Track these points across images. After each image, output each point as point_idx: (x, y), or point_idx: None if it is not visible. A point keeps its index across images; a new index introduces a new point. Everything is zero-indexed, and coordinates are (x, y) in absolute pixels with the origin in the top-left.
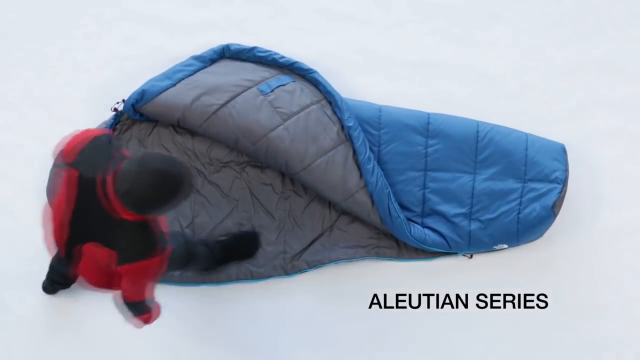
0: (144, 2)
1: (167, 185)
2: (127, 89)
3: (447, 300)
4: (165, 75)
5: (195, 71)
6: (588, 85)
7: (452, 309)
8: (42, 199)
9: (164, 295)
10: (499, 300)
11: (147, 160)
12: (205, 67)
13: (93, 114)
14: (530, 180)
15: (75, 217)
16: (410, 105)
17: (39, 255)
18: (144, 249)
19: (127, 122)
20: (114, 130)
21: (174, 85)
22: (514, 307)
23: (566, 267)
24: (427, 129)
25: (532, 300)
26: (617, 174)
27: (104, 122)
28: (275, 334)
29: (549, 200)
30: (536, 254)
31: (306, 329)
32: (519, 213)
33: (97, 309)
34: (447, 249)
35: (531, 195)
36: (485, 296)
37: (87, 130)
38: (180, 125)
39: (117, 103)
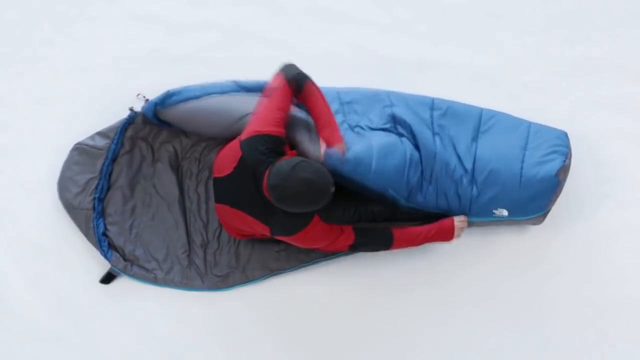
0: (144, 2)
1: (309, 193)
2: (127, 89)
3: (447, 300)
4: (201, 87)
5: (232, 92)
6: (588, 84)
7: (452, 309)
8: (42, 198)
9: (165, 295)
10: (498, 301)
11: (300, 167)
12: (239, 92)
13: (93, 114)
14: (533, 148)
15: (226, 180)
16: None
17: (39, 255)
18: (292, 227)
19: (139, 125)
20: (125, 130)
21: (208, 95)
22: (513, 307)
23: (566, 267)
24: (432, 106)
25: (532, 300)
26: (617, 174)
27: (119, 121)
28: (275, 334)
29: (553, 167)
30: (535, 253)
31: (305, 329)
32: (521, 176)
33: (97, 309)
34: (445, 210)
35: (533, 160)
36: (485, 296)
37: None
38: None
39: (139, 95)
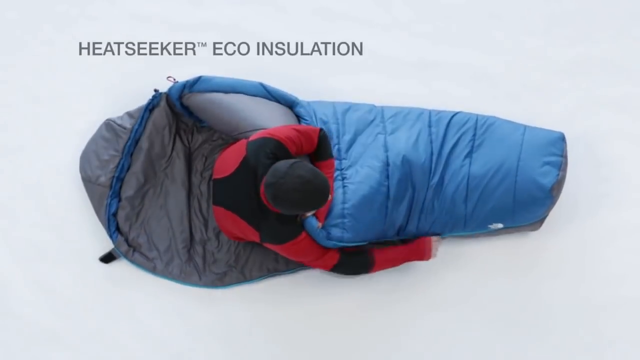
0: (144, 2)
1: (304, 192)
2: (126, 89)
3: (445, 302)
4: (231, 82)
5: (259, 96)
6: (588, 84)
7: (449, 311)
8: (42, 198)
9: (165, 295)
10: (497, 301)
11: (297, 165)
12: (267, 98)
13: (93, 114)
14: (527, 158)
15: (225, 181)
16: (410, 105)
17: (39, 255)
18: (282, 236)
19: (162, 111)
20: (151, 111)
21: (236, 93)
22: (511, 309)
23: (565, 267)
24: (429, 122)
25: (530, 303)
26: (617, 174)
27: (140, 108)
28: (271, 336)
29: (547, 183)
30: (534, 254)
31: (305, 329)
32: (515, 191)
33: (96, 309)
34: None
35: (527, 174)
36: (484, 297)
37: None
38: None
39: (169, 77)
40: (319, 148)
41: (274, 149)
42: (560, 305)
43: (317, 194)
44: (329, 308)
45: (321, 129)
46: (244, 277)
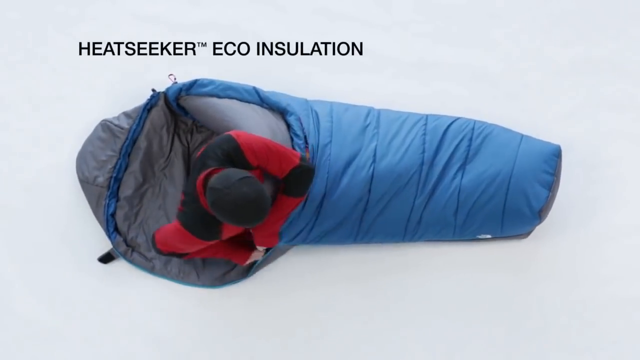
0: (144, 2)
1: (243, 209)
2: (127, 89)
3: (443, 302)
4: (226, 86)
5: (252, 102)
6: (588, 85)
7: (447, 311)
8: (41, 198)
9: (165, 294)
10: (495, 301)
11: (247, 181)
12: (259, 104)
13: (93, 114)
14: (519, 175)
15: (194, 162)
16: (410, 106)
17: (38, 256)
18: (196, 230)
19: (160, 111)
20: (149, 111)
21: (230, 98)
22: (510, 308)
23: (562, 268)
24: (425, 130)
25: (528, 302)
26: (616, 174)
27: (144, 103)
28: (273, 333)
29: (535, 205)
30: (532, 255)
31: (304, 328)
32: (504, 209)
33: (95, 309)
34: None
35: (518, 192)
36: (482, 297)
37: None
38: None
39: (170, 75)
40: (290, 180)
41: (230, 149)
42: (556, 305)
43: (253, 215)
44: (329, 307)
45: (303, 165)
46: (242, 276)
